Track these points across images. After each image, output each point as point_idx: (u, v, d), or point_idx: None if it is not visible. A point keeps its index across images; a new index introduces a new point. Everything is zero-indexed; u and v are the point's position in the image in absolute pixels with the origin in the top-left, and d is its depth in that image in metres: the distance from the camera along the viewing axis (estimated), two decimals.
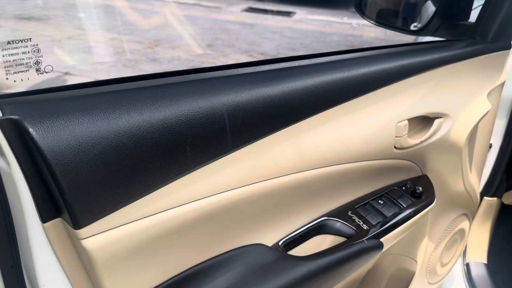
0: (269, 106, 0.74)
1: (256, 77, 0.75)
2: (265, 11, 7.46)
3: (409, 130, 1.03)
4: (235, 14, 7.25)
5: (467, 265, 1.50)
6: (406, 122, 0.99)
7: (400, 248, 1.14)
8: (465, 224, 1.32)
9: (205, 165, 0.65)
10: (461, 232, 1.33)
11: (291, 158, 0.79)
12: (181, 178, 0.62)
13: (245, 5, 7.85)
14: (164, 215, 0.62)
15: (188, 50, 4.86)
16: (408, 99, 1.01)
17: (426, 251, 1.23)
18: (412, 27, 1.30)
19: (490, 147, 1.42)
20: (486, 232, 1.52)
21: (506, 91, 1.36)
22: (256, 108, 0.71)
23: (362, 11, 1.28)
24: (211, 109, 0.65)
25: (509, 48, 1.17)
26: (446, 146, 1.08)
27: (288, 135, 0.78)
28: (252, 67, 0.79)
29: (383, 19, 1.32)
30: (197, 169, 0.64)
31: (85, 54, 4.49)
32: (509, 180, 1.44)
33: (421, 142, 1.02)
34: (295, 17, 7.28)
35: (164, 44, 5.02)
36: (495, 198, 1.48)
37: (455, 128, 1.07)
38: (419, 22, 1.30)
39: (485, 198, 1.48)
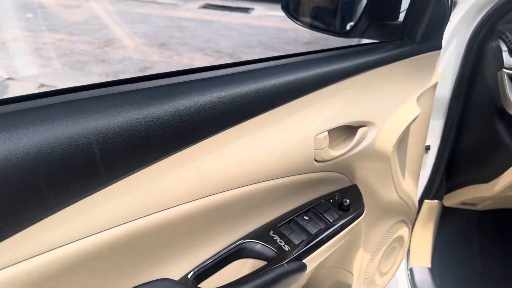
0: (156, 128, 0.65)
1: (140, 95, 0.66)
2: (223, 8, 7.36)
3: (332, 141, 0.97)
4: (192, 11, 7.11)
5: (411, 270, 1.47)
6: (326, 133, 0.92)
7: (335, 260, 1.08)
8: (403, 230, 1.28)
9: (69, 205, 0.55)
10: (400, 239, 1.29)
11: (191, 183, 0.70)
12: (40, 222, 0.53)
13: (203, 2, 7.72)
14: (30, 263, 0.52)
15: (141, 50, 4.71)
16: (328, 108, 0.94)
17: (362, 262, 1.18)
18: (340, 29, 1.24)
19: (428, 149, 1.38)
20: (429, 235, 1.50)
21: (441, 92, 1.32)
22: (137, 132, 0.62)
23: (289, 13, 1.21)
24: (72, 138, 0.55)
25: (440, 49, 1.13)
26: (372, 155, 1.02)
27: (185, 158, 0.69)
28: (139, 83, 0.70)
29: (311, 21, 1.26)
30: (60, 209, 0.55)
31: (31, 57, 4.28)
32: (448, 182, 1.42)
33: (344, 154, 0.96)
34: (254, 13, 7.22)
35: (115, 44, 4.85)
36: (435, 201, 1.45)
37: (381, 136, 1.01)
38: (348, 24, 1.23)
39: (426, 201, 1.45)
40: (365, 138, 0.98)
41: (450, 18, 1.32)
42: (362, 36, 1.18)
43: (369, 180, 1.06)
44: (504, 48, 1.10)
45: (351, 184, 1.05)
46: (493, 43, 1.14)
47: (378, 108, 1.01)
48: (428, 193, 1.44)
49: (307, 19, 1.25)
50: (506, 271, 1.62)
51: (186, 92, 0.69)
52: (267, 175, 0.83)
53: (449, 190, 1.44)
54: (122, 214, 0.62)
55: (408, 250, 1.51)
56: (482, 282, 1.59)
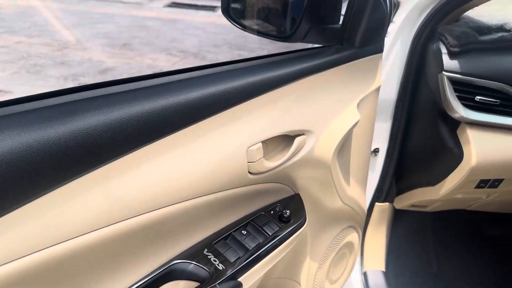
0: (52, 151, 0.59)
1: (34, 116, 0.61)
2: (189, 6, 7.25)
3: (269, 151, 0.93)
4: (157, 10, 6.98)
5: (365, 274, 1.46)
6: (260, 145, 0.88)
7: (282, 271, 1.04)
8: (352, 236, 1.26)
9: None
10: (349, 245, 1.26)
11: (102, 206, 0.65)
12: None
13: (168, 0, 7.60)
14: None
15: (102, 51, 4.58)
16: (263, 118, 0.90)
17: (310, 271, 1.15)
18: (282, 33, 1.20)
19: (377, 152, 1.37)
20: (382, 238, 1.49)
21: (387, 94, 1.31)
22: (26, 157, 0.56)
23: (231, 17, 1.16)
24: None
25: (381, 52, 1.10)
26: (312, 163, 0.99)
27: (91, 181, 0.64)
28: (32, 103, 0.64)
29: (253, 25, 1.21)
30: None
31: None
32: (398, 185, 1.41)
33: (281, 164, 0.92)
34: (220, 11, 7.15)
35: (75, 45, 4.71)
36: (386, 203, 1.44)
37: (320, 143, 0.98)
38: (289, 28, 1.19)
39: (377, 204, 1.43)
40: (304, 147, 0.95)
41: (394, 19, 1.30)
42: (304, 40, 1.14)
43: (311, 188, 1.03)
44: (444, 50, 1.09)
45: (293, 193, 1.02)
46: (434, 45, 1.13)
47: (317, 115, 0.98)
48: (378, 196, 1.42)
49: (249, 23, 1.21)
50: (461, 271, 1.62)
51: (90, 109, 0.64)
52: (196, 191, 0.78)
53: (399, 192, 1.43)
54: (30, 242, 0.57)
55: (362, 254, 1.49)
56: (437, 283, 1.59)
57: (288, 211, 0.94)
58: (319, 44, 1.10)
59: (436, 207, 1.37)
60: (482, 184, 1.17)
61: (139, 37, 5.25)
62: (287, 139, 0.94)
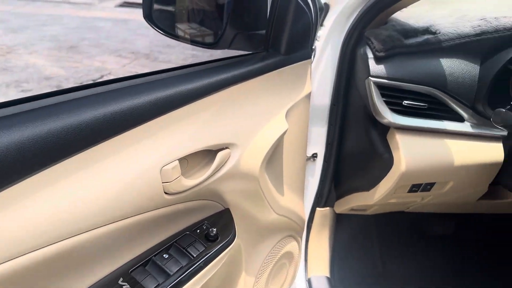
0: None
1: None
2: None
3: (191, 167, 0.88)
4: (108, 10, 6.78)
5: (309, 281, 1.44)
6: (176, 163, 0.82)
7: (218, 287, 1.00)
8: (291, 245, 1.23)
9: None
10: (289, 254, 1.23)
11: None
12: None
13: (120, 0, 7.39)
14: None
15: (47, 55, 4.40)
16: (181, 133, 0.84)
17: (246, 286, 1.11)
18: (208, 40, 1.15)
19: (316, 157, 1.34)
20: (326, 243, 1.47)
21: (322, 100, 1.28)
22: None
23: (154, 23, 1.10)
24: None
25: (309, 58, 1.07)
26: (239, 177, 0.95)
27: None
28: None
29: (178, 31, 1.16)
30: None
31: None
32: (337, 189, 1.39)
33: (204, 180, 0.88)
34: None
35: (19, 50, 4.50)
36: (327, 208, 1.43)
37: (245, 156, 0.94)
38: (215, 34, 1.15)
39: (318, 209, 1.41)
40: (228, 161, 0.91)
41: (324, 23, 1.27)
42: (230, 47, 1.09)
43: (240, 202, 0.99)
44: (370, 55, 1.07)
45: (223, 209, 0.97)
46: (362, 50, 1.11)
47: (241, 127, 0.94)
48: (319, 201, 1.40)
49: (174, 30, 1.15)
50: (406, 270, 1.63)
51: None
52: (106, 217, 0.72)
53: (339, 197, 1.41)
54: None
55: (306, 261, 1.47)
56: (383, 284, 1.59)
57: (215, 229, 0.90)
58: (246, 51, 1.06)
59: (374, 211, 1.36)
60: (415, 188, 1.16)
61: (88, 39, 5.08)
62: (210, 154, 0.90)
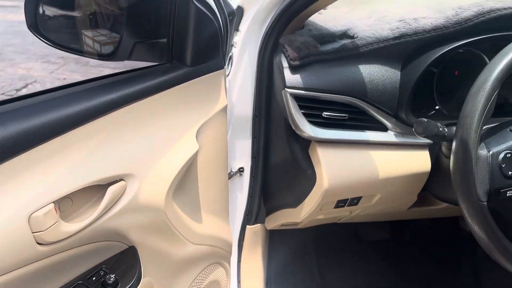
0: None
1: None
2: None
3: (78, 207, 0.75)
4: None
5: None
6: (51, 207, 0.69)
7: None
8: (217, 273, 1.13)
9: None
10: (215, 283, 1.13)
11: None
12: None
13: None
14: None
15: None
16: (59, 168, 0.71)
17: None
18: (104, 51, 1.01)
19: (243, 171, 1.25)
20: (259, 262, 1.39)
21: (244, 110, 1.19)
22: None
23: (40, 33, 0.95)
24: None
25: (222, 68, 0.96)
26: (140, 211, 0.83)
27: None
28: None
29: (70, 42, 1.02)
30: None
31: None
32: (266, 204, 1.31)
33: (94, 221, 0.76)
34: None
35: None
36: (258, 225, 1.34)
37: (146, 187, 0.82)
38: (113, 45, 1.01)
39: (248, 226, 1.33)
40: (124, 195, 0.79)
41: (240, 28, 1.18)
42: (130, 58, 0.95)
43: (147, 238, 0.87)
44: (285, 64, 0.98)
45: (126, 247, 0.85)
46: (277, 58, 1.02)
47: (139, 153, 0.81)
48: (249, 218, 1.32)
49: (65, 40, 1.00)
50: (346, 279, 1.60)
51: None
52: None
53: (269, 212, 1.33)
54: None
55: (239, 282, 1.38)
56: None
57: (113, 276, 0.78)
58: (149, 62, 0.93)
59: (305, 225, 1.29)
60: (341, 204, 1.10)
61: (12, 45, 4.73)
62: (102, 189, 0.77)
